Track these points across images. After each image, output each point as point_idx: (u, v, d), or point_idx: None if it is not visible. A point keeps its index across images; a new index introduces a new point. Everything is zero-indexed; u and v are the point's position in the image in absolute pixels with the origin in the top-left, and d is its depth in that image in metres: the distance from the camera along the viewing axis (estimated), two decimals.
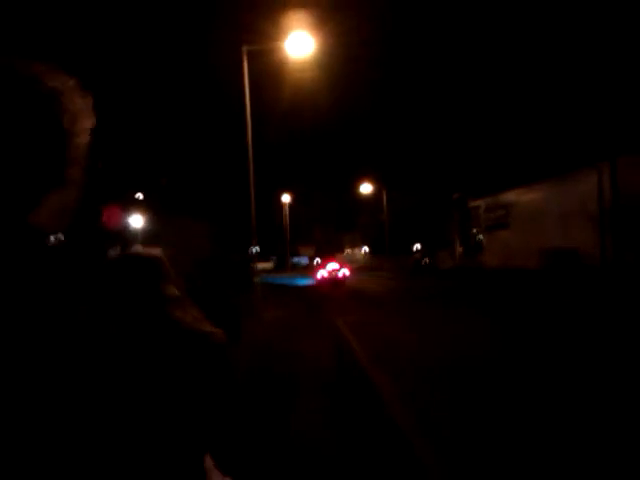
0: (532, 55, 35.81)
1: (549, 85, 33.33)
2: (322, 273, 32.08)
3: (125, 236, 37.85)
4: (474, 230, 39.82)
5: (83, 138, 0.85)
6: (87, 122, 0.86)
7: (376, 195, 55.56)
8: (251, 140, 12.86)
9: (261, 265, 56.20)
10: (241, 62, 12.41)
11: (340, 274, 31.60)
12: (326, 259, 34.84)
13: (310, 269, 39.96)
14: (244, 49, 12.38)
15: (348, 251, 79.22)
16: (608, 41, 25.59)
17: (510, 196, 33.44)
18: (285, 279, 35.83)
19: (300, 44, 12.30)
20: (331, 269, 32.14)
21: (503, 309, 13.75)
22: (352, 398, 5.63)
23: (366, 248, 71.89)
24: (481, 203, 38.16)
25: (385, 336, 10.12)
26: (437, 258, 44.19)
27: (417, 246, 55.00)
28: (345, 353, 8.35)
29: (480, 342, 8.77)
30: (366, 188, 55.86)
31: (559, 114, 30.24)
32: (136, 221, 42.68)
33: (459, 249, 42.23)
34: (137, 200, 44.54)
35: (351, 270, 34.15)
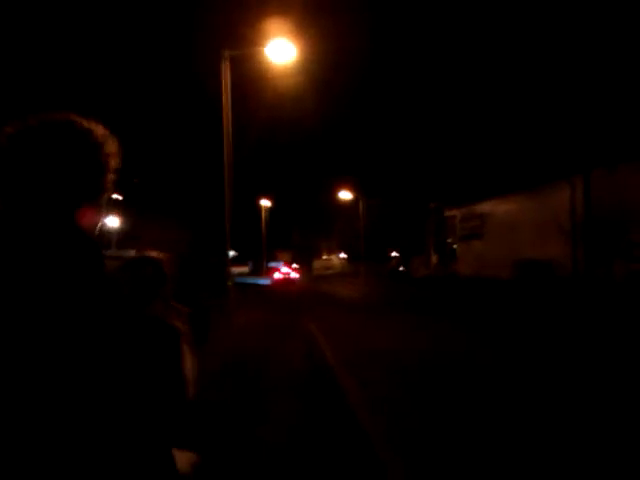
0: (509, 70, 36.42)
1: (525, 99, 33.93)
2: (278, 275, 41.11)
3: (102, 237, 37.45)
4: (449, 239, 40.25)
5: (113, 173, 1.23)
6: (116, 162, 1.23)
7: (354, 202, 55.83)
8: (230, 145, 12.89)
9: (237, 269, 55.99)
10: (221, 66, 12.46)
11: (292, 276, 41.28)
12: (286, 264, 45.99)
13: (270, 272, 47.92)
14: (225, 53, 12.43)
15: (325, 257, 79.30)
16: (582, 57, 26.16)
17: (485, 207, 33.90)
18: (252, 280, 41.11)
19: (281, 50, 12.37)
20: (285, 272, 42.04)
21: (475, 317, 13.96)
22: (319, 400, 5.70)
23: (343, 254, 72.13)
24: (457, 213, 38.59)
25: (358, 341, 10.22)
26: (411, 266, 44.58)
27: (394, 253, 55.36)
28: (316, 357, 8.42)
29: (451, 348, 8.92)
30: (344, 195, 56.11)
31: (535, 127, 30.83)
32: (112, 221, 42.25)
33: (434, 258, 42.62)
34: (114, 200, 44.05)
35: (327, 275, 42.26)
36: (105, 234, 39.25)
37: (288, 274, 41.83)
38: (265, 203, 64.99)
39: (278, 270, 42.60)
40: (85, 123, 1.19)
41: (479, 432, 4.69)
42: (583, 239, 24.03)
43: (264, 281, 39.33)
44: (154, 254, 1.74)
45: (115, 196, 44.30)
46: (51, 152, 1.12)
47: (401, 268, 46.88)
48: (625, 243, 21.86)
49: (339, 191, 56.54)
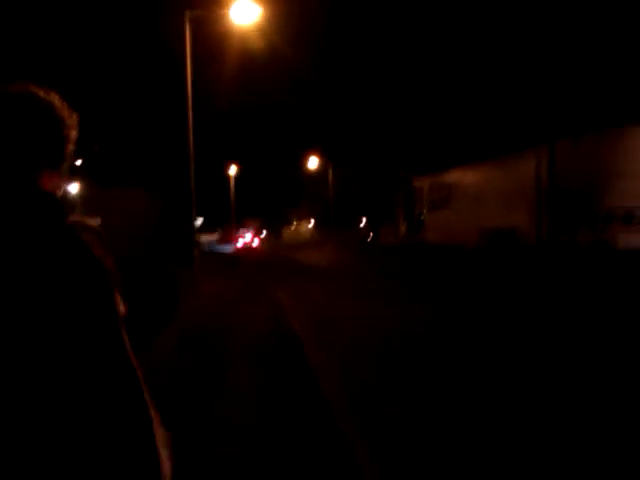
0: (476, 36, 36.25)
1: (493, 69, 33.92)
2: (241, 241, 46.16)
3: (67, 202, 36.41)
4: (417, 208, 40.51)
5: (72, 144, 1.33)
6: (74, 133, 1.33)
7: (323, 171, 55.57)
8: (191, 110, 12.58)
9: (205, 237, 55.49)
10: (184, 28, 12.05)
11: (254, 243, 47.78)
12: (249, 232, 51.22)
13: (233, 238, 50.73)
14: (187, 14, 12.01)
15: (294, 225, 79.19)
16: (549, 24, 26.18)
17: (452, 176, 34.11)
18: (221, 248, 42.43)
19: (246, 11, 12.01)
20: (247, 240, 47.60)
21: (441, 284, 14.13)
22: (281, 368, 5.68)
23: (312, 223, 72.10)
24: (425, 182, 38.78)
25: (323, 308, 10.24)
26: (380, 234, 44.84)
27: (363, 222, 55.57)
28: (281, 323, 8.40)
29: (417, 316, 9.00)
30: (313, 163, 55.78)
31: (502, 97, 30.92)
32: (73, 187, 41.22)
33: (402, 226, 42.91)
34: (75, 166, 42.82)
35: (296, 243, 43.78)
36: (69, 200, 38.30)
37: (250, 241, 48.21)
38: (233, 170, 64.22)
39: (242, 237, 47.75)
40: (45, 95, 1.28)
41: (439, 406, 4.74)
42: (547, 208, 24.43)
43: (229, 248, 42.03)
44: (91, 222, 1.57)
45: (77, 163, 43.18)
46: (12, 122, 1.22)
47: (370, 236, 47.16)
48: (590, 213, 22.29)
49: (308, 159, 56.20)
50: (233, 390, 5.00)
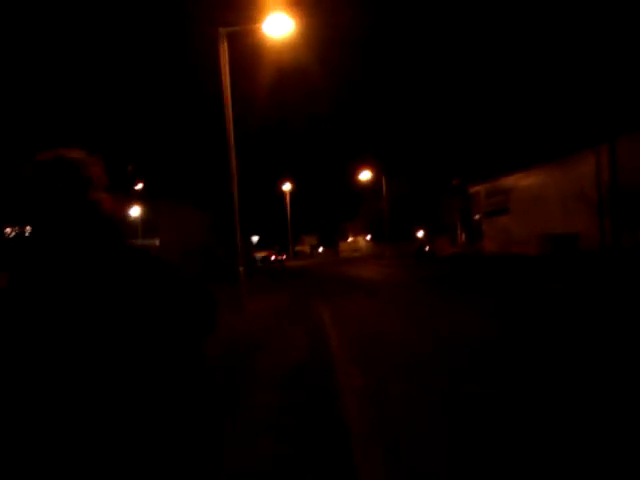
0: (530, 38, 35.15)
1: (547, 68, 32.70)
2: (272, 257, 61.19)
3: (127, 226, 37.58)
4: (475, 216, 39.42)
5: (102, 190, 1.66)
6: (104, 181, 1.68)
7: (376, 182, 55.12)
8: (232, 129, 12.52)
9: (261, 254, 55.92)
10: (218, 46, 12.02)
11: (282, 258, 62.23)
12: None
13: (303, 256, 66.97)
14: (222, 31, 11.98)
15: (350, 239, 78.90)
16: (605, 23, 25.02)
17: (509, 181, 33.00)
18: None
19: (279, 24, 11.88)
20: (278, 255, 63.22)
21: (503, 295, 13.43)
22: (310, 398, 5.30)
23: (369, 236, 71.58)
24: (481, 188, 37.71)
25: (372, 329, 9.82)
26: (436, 245, 43.85)
27: (419, 233, 54.63)
28: (321, 344, 8.03)
29: (477, 332, 8.44)
30: (365, 175, 55.41)
31: (557, 96, 29.71)
32: (135, 211, 42.50)
33: (461, 235, 41.86)
34: (136, 190, 44.15)
35: (352, 257, 46.27)
36: (130, 224, 39.51)
37: (281, 256, 63.41)
38: (288, 187, 64.71)
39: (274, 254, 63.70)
40: (77, 156, 1.65)
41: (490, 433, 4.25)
42: (610, 209, 23.12)
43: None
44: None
45: (137, 187, 44.49)
46: (58, 178, 1.58)
47: (427, 248, 46.16)
48: None
49: (361, 172, 55.90)
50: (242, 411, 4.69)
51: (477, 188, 38.42)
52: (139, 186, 45.33)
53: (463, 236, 41.94)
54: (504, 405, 4.65)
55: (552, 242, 25.76)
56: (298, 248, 72.62)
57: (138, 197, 43.15)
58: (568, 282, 15.00)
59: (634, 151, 21.81)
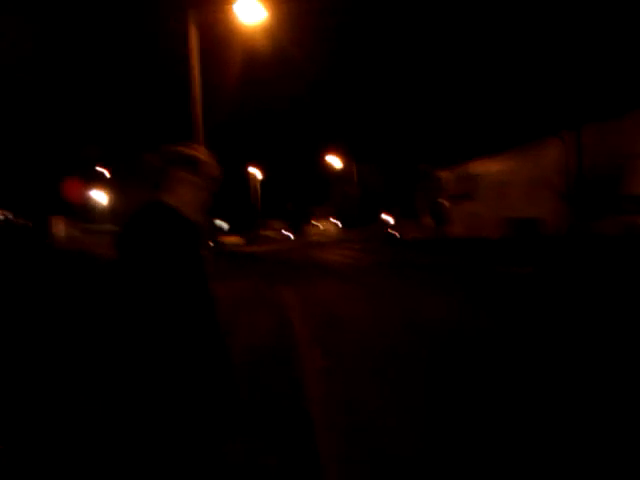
0: (498, 26, 35.51)
1: (515, 56, 33.14)
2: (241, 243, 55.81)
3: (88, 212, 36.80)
4: (442, 201, 39.95)
5: (212, 184, 2.25)
6: (215, 171, 2.26)
7: (345, 168, 55.28)
8: (201, 113, 12.42)
9: (229, 239, 55.55)
10: (188, 28, 11.89)
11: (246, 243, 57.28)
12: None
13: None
14: (191, 13, 11.84)
15: (317, 224, 79.01)
16: (571, 10, 25.44)
17: (476, 167, 33.52)
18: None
19: (252, 11, 11.80)
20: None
21: (466, 277, 13.75)
22: (274, 379, 5.42)
23: (336, 220, 71.82)
24: (447, 174, 38.21)
25: (337, 311, 9.97)
26: (404, 229, 44.34)
27: (387, 218, 55.05)
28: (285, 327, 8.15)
29: (439, 314, 8.68)
30: (334, 161, 55.48)
31: (525, 84, 30.17)
32: (100, 197, 41.65)
33: (427, 220, 42.37)
34: (101, 175, 43.28)
35: (320, 242, 44.71)
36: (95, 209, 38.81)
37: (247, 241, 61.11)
38: (258, 174, 64.32)
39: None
40: (194, 151, 2.20)
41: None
42: (574, 195, 23.74)
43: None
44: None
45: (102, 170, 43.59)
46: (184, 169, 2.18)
47: (393, 232, 46.66)
48: (615, 197, 21.59)
49: (329, 157, 55.92)
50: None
51: (444, 174, 38.92)
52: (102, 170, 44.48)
53: (429, 220, 42.46)
54: (466, 385, 4.85)
55: (514, 225, 26.40)
56: (267, 233, 72.27)
57: (103, 182, 42.37)
58: (524, 264, 15.45)
59: (599, 139, 22.40)
